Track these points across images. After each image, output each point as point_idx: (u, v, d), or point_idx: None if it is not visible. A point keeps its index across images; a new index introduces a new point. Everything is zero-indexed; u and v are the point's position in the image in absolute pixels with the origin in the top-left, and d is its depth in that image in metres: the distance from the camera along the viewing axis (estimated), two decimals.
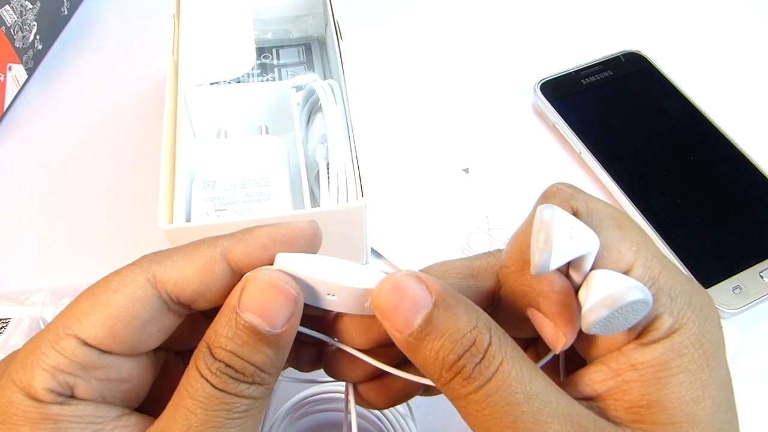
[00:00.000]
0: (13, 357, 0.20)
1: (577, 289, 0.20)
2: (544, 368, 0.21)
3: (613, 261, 0.19)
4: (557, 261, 0.18)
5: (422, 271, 0.22)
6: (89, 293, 0.20)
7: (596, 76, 0.47)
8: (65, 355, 0.19)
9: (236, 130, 0.42)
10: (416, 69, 0.50)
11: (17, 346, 0.34)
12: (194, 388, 0.19)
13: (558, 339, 0.20)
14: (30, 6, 0.47)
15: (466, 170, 0.42)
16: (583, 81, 0.46)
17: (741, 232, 0.39)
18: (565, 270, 0.20)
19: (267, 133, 0.42)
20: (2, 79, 0.45)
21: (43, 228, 0.41)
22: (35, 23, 0.48)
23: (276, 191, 0.37)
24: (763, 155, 0.42)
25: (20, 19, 0.46)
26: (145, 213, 0.40)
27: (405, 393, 0.23)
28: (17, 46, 0.46)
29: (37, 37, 0.48)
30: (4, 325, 0.34)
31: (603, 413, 0.19)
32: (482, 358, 0.18)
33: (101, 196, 0.42)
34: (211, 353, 0.19)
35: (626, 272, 0.19)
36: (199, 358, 0.19)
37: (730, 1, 0.54)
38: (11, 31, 0.45)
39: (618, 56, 0.48)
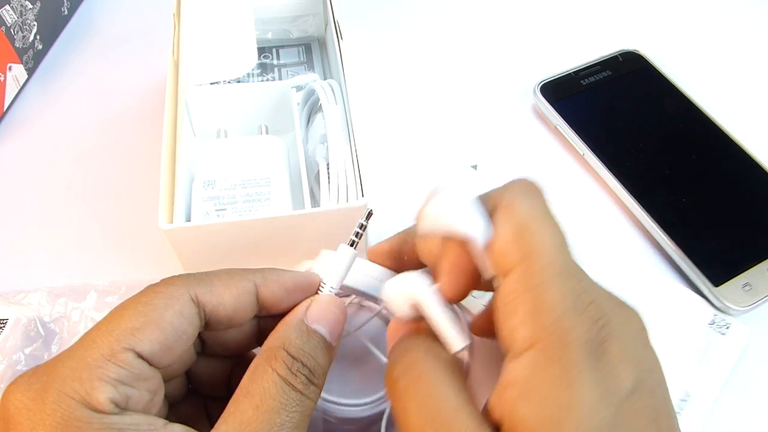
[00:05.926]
0: (47, 374, 0.20)
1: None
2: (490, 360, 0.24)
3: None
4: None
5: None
6: (136, 311, 0.21)
7: (595, 76, 0.47)
8: (126, 368, 0.20)
9: (236, 130, 0.42)
10: (415, 70, 0.50)
11: (15, 347, 0.34)
12: (271, 389, 0.21)
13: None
14: (30, 6, 0.47)
15: (475, 167, 0.42)
16: (582, 82, 0.47)
17: (747, 229, 0.39)
18: None
19: (267, 133, 0.42)
20: (2, 79, 0.45)
21: (43, 228, 0.41)
22: (35, 23, 0.48)
23: (276, 191, 0.37)
24: (764, 151, 0.42)
25: (20, 19, 0.46)
26: (145, 213, 0.40)
27: None
28: (17, 46, 0.46)
29: (37, 37, 0.48)
30: (2, 326, 0.34)
31: None
32: None
33: (101, 196, 0.42)
34: (289, 353, 0.21)
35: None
36: (275, 358, 0.21)
37: None
38: (11, 31, 0.45)
39: (616, 56, 0.48)
